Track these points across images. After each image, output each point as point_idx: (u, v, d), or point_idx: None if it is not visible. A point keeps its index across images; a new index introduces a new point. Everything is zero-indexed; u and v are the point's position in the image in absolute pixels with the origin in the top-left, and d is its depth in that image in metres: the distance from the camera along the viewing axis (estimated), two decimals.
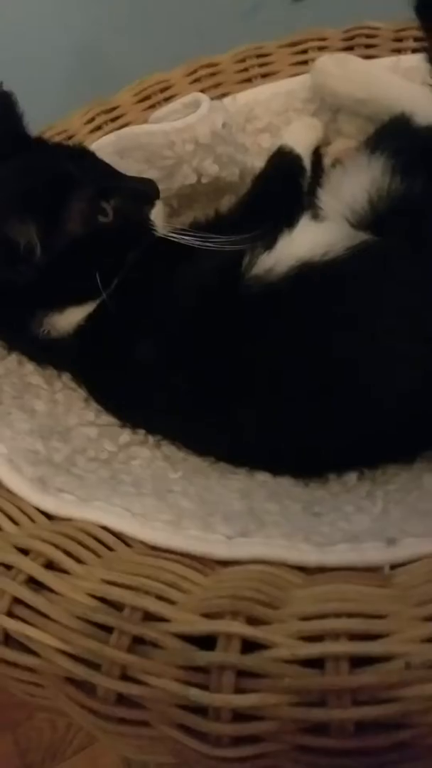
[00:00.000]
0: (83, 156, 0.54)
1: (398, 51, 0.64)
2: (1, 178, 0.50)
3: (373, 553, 0.33)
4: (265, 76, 0.66)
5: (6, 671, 0.33)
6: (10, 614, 0.33)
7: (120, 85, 0.69)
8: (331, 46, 0.66)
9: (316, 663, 0.28)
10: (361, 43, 0.66)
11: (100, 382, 0.51)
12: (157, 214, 0.53)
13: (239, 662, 0.29)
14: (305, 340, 0.46)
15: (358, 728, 0.27)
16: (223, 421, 0.48)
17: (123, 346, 0.49)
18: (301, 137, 0.60)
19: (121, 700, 0.30)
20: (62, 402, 0.51)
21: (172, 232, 0.52)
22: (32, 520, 0.38)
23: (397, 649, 0.27)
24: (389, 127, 0.54)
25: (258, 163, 0.60)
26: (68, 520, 0.38)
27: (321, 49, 0.66)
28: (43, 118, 0.66)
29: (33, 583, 0.34)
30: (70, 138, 0.64)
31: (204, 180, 0.58)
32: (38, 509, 0.39)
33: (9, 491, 0.40)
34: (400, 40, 0.64)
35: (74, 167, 0.51)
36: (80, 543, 0.36)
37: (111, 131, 0.63)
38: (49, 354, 0.53)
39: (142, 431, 0.51)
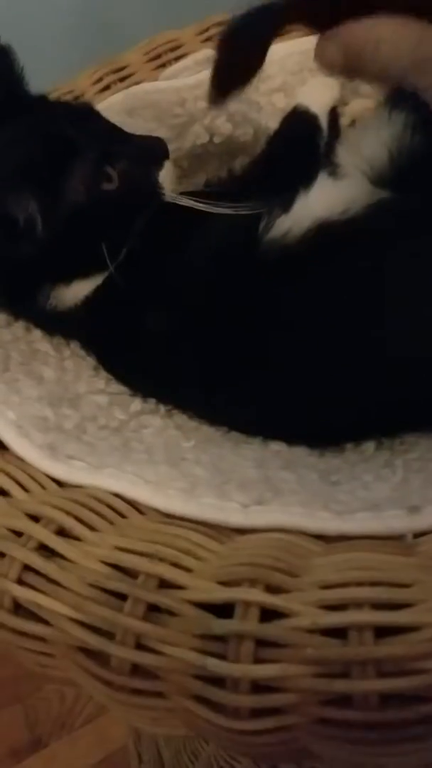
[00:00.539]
0: (86, 115, 0.51)
1: None
2: None
3: (395, 521, 0.32)
4: (279, 35, 0.64)
5: (16, 641, 0.32)
6: (20, 582, 0.32)
7: (127, 45, 0.67)
8: None
9: (338, 633, 0.27)
10: None
11: (110, 351, 0.50)
12: (166, 176, 0.51)
13: (258, 631, 0.28)
14: (324, 304, 0.44)
15: (382, 700, 0.26)
16: (237, 390, 0.47)
17: (133, 316, 0.48)
18: (317, 96, 0.58)
19: (136, 670, 0.29)
20: (71, 369, 0.49)
21: (183, 196, 0.50)
22: (43, 487, 0.37)
23: (424, 619, 0.26)
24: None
25: (272, 123, 0.58)
26: (79, 487, 0.37)
27: None
28: (50, 76, 0.64)
29: (44, 549, 0.33)
30: (77, 98, 0.62)
31: (216, 140, 0.56)
32: (48, 476, 0.38)
33: (18, 458, 0.39)
34: None
35: (76, 130, 0.48)
36: (92, 510, 0.35)
37: (119, 91, 0.61)
38: (57, 324, 0.51)
39: (152, 400, 0.50)
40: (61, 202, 0.46)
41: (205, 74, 0.54)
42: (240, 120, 0.56)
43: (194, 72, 0.55)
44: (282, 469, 0.41)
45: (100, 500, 0.36)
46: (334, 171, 0.49)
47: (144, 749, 0.82)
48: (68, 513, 0.34)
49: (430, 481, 0.37)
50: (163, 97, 0.54)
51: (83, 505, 0.35)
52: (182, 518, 0.35)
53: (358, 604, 0.27)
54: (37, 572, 0.32)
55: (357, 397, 0.44)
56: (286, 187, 0.49)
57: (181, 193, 0.52)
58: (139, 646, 0.29)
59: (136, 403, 0.49)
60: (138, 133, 0.55)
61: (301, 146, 0.56)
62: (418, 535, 0.32)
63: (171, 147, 0.56)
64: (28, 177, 0.46)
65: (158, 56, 0.64)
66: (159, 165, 0.50)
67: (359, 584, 0.28)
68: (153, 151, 0.51)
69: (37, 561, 0.32)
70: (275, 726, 0.28)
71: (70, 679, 0.33)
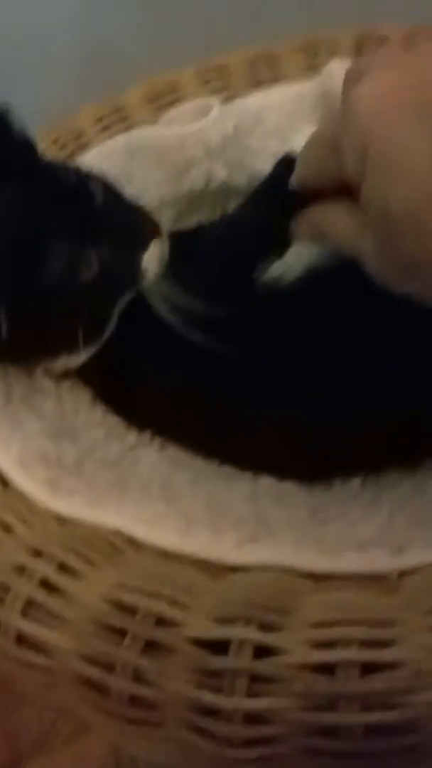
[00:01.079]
0: (76, 189, 0.47)
1: None
2: None
3: (380, 561, 0.34)
4: (275, 79, 0.66)
5: (19, 671, 0.34)
6: (24, 615, 0.34)
7: (129, 80, 0.69)
8: (342, 50, 0.66)
9: (326, 669, 0.29)
10: (373, 48, 0.66)
11: (106, 384, 0.52)
12: (151, 258, 0.47)
13: (252, 667, 0.29)
14: (313, 339, 0.46)
15: (366, 732, 0.28)
16: (227, 423, 0.49)
17: (128, 356, 0.49)
18: None
19: (134, 701, 0.31)
20: (69, 401, 0.51)
21: (161, 285, 0.47)
22: (44, 522, 0.39)
23: (407, 657, 0.28)
24: None
25: (266, 168, 0.60)
26: (79, 522, 0.39)
27: (332, 53, 0.66)
28: (50, 109, 0.66)
29: (46, 584, 0.35)
30: (78, 137, 0.64)
31: (212, 184, 0.58)
32: (50, 511, 0.39)
33: (21, 493, 0.40)
34: (410, 46, 0.65)
35: (60, 209, 0.45)
36: (92, 546, 0.37)
37: (120, 131, 0.63)
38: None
39: (147, 433, 0.51)
40: (37, 287, 0.44)
41: (204, 122, 0.57)
42: (235, 165, 0.58)
43: (193, 118, 0.57)
44: (272, 505, 0.43)
45: (99, 536, 0.38)
46: None
47: None
48: (69, 549, 0.36)
49: (414, 520, 0.39)
50: (164, 142, 0.56)
51: (83, 540, 0.37)
52: (178, 555, 0.36)
53: (345, 643, 0.29)
54: (40, 606, 0.34)
55: (343, 435, 0.46)
56: (276, 228, 0.51)
57: (176, 232, 0.53)
58: (138, 679, 0.31)
59: (132, 436, 0.50)
60: (138, 175, 0.57)
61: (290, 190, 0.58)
62: (401, 574, 0.34)
63: (169, 189, 0.58)
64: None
65: (158, 97, 0.66)
66: (144, 248, 0.47)
67: (346, 623, 0.30)
68: (140, 232, 0.48)
69: (40, 596, 0.34)
70: (265, 754, 0.30)
71: (56, 702, 0.35)
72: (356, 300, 0.46)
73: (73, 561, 0.35)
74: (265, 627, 0.30)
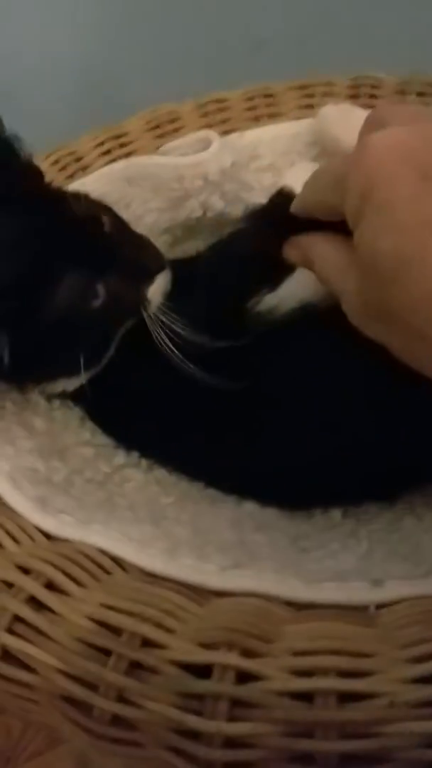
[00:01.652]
0: (86, 221, 0.48)
1: None
2: None
3: (359, 593, 0.35)
4: (271, 116, 0.68)
5: (2, 686, 0.34)
6: (10, 631, 0.34)
7: (126, 113, 0.70)
8: (337, 92, 0.68)
9: (305, 696, 0.30)
10: (366, 92, 0.68)
11: (97, 404, 0.53)
12: (156, 290, 0.49)
13: (233, 692, 0.30)
14: (300, 377, 0.48)
15: (342, 760, 0.29)
16: (214, 449, 0.50)
17: (120, 375, 0.50)
18: (302, 180, 0.62)
19: (117, 721, 0.32)
20: (59, 419, 0.52)
21: (163, 315, 0.48)
22: (32, 540, 0.39)
23: (383, 688, 0.29)
24: None
25: (260, 200, 0.62)
26: (67, 541, 0.39)
27: (327, 94, 0.68)
28: (50, 135, 0.67)
29: (34, 602, 0.35)
30: (78, 160, 0.65)
31: (209, 214, 0.60)
32: (38, 529, 0.40)
33: (11, 509, 0.41)
34: (403, 93, 0.67)
35: (70, 241, 0.46)
36: (79, 565, 0.37)
37: (120, 156, 0.65)
38: None
39: (135, 453, 0.52)
40: (43, 315, 0.45)
41: (203, 154, 0.59)
42: (232, 198, 0.59)
43: (192, 149, 0.59)
44: (256, 531, 0.44)
45: (86, 555, 0.38)
46: None
47: None
48: (57, 567, 0.37)
49: (392, 553, 0.40)
50: (162, 172, 0.58)
51: (71, 559, 0.38)
52: (164, 578, 0.37)
53: (324, 671, 0.30)
54: (26, 623, 0.34)
55: (324, 467, 0.47)
56: (269, 261, 0.52)
57: (173, 260, 0.55)
58: (121, 699, 0.32)
59: (120, 456, 0.52)
60: (135, 202, 0.58)
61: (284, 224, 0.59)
62: (379, 606, 0.35)
63: (166, 216, 0.60)
64: (6, 305, 0.44)
65: (158, 126, 0.68)
66: (151, 280, 0.49)
67: (326, 653, 0.31)
68: (147, 266, 0.49)
69: (28, 613, 0.34)
70: None
71: (37, 718, 0.36)
72: (344, 338, 0.47)
73: (60, 579, 0.36)
74: (247, 653, 0.31)
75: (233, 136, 0.64)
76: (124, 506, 0.45)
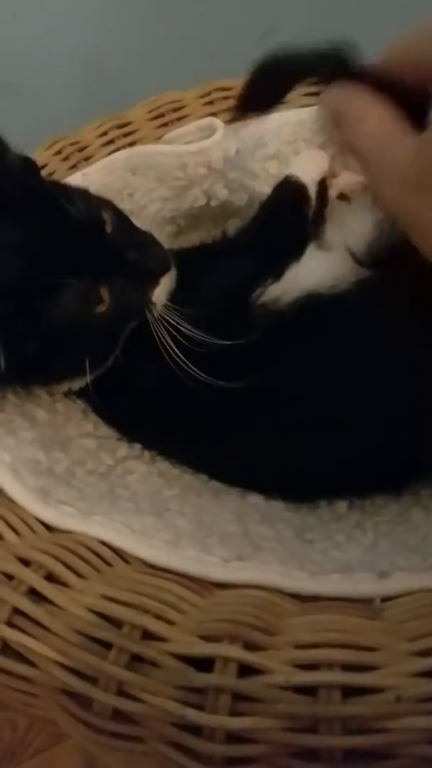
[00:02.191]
0: (90, 225, 0.47)
1: None
2: None
3: (365, 585, 0.35)
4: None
5: (3, 679, 0.34)
6: (10, 624, 0.34)
7: (130, 102, 0.70)
8: None
9: (309, 690, 0.29)
10: None
11: (100, 397, 0.52)
12: (161, 291, 0.48)
13: (235, 686, 0.30)
14: (303, 370, 0.47)
15: (346, 756, 0.28)
16: (219, 443, 0.49)
17: (125, 370, 0.50)
18: (308, 167, 0.61)
19: (117, 715, 0.31)
20: (62, 411, 0.51)
21: (168, 316, 0.47)
22: (33, 531, 0.39)
23: (388, 682, 0.29)
24: None
25: (265, 189, 0.61)
26: (68, 532, 0.39)
27: None
28: (53, 125, 0.67)
29: (34, 594, 0.35)
30: (81, 150, 0.65)
31: (213, 203, 0.59)
32: (39, 520, 0.40)
33: (11, 500, 0.40)
34: None
35: (76, 245, 0.45)
36: (80, 556, 0.37)
37: (123, 146, 0.64)
38: None
39: (138, 445, 0.52)
40: (45, 322, 0.44)
41: (207, 142, 0.58)
42: (236, 187, 0.59)
43: (196, 137, 0.58)
44: (260, 523, 0.44)
45: (87, 547, 0.38)
46: (321, 245, 0.52)
47: None
48: (57, 559, 0.36)
49: (398, 545, 0.40)
50: (166, 160, 0.57)
51: (72, 551, 0.37)
52: (166, 570, 0.37)
53: (328, 665, 0.30)
54: (26, 616, 0.34)
55: (328, 459, 0.47)
56: (274, 253, 0.52)
57: (177, 250, 0.54)
58: (121, 693, 0.31)
59: (123, 448, 0.51)
60: (140, 191, 0.57)
61: (290, 215, 0.59)
62: (385, 599, 0.34)
63: (170, 206, 0.59)
64: (2, 312, 0.43)
65: (161, 115, 0.67)
66: (156, 283, 0.48)
67: (330, 646, 0.30)
68: (151, 268, 0.48)
69: (27, 605, 0.34)
70: None
71: (38, 712, 0.35)
72: (347, 329, 0.47)
73: (61, 571, 0.35)
74: (249, 646, 0.31)
75: (238, 124, 0.63)
76: (127, 498, 0.44)
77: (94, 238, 0.46)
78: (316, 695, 0.29)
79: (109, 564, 0.37)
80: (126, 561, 0.38)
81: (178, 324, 0.46)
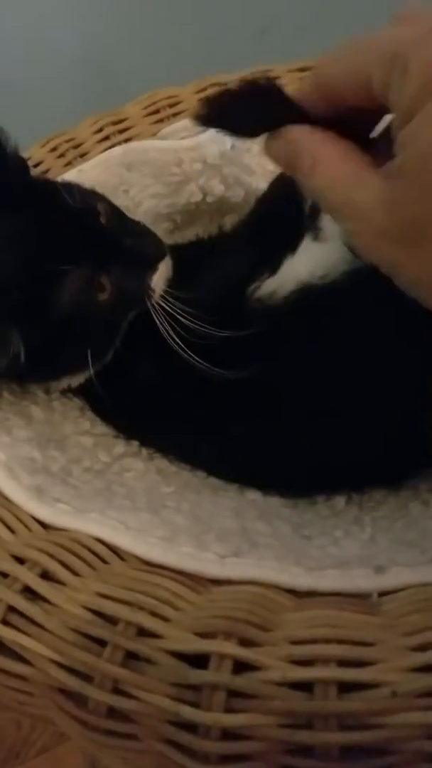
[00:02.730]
0: (86, 214, 0.47)
1: None
2: None
3: (362, 580, 0.34)
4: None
5: None
6: (4, 622, 0.34)
7: (127, 98, 0.69)
8: None
9: (304, 686, 0.29)
10: None
11: (97, 396, 0.52)
12: (159, 278, 0.49)
13: (231, 682, 0.29)
14: (300, 363, 0.47)
15: (342, 752, 0.28)
16: (216, 439, 0.49)
17: (123, 365, 0.50)
18: None
19: (112, 713, 0.31)
20: (58, 410, 0.51)
21: (166, 303, 0.48)
22: (28, 529, 0.39)
23: (384, 678, 0.28)
24: None
25: (262, 184, 0.61)
26: (63, 530, 0.39)
27: None
28: (50, 121, 0.66)
29: (28, 592, 0.34)
30: (77, 146, 0.64)
31: (209, 199, 0.59)
32: (34, 518, 0.39)
33: (6, 498, 0.40)
34: None
35: (73, 235, 0.46)
36: (75, 554, 0.37)
37: (119, 142, 0.64)
38: None
39: (135, 443, 0.52)
40: (50, 313, 0.45)
41: (203, 137, 0.57)
42: (232, 182, 0.58)
43: (191, 133, 0.58)
44: (257, 519, 0.43)
45: (83, 545, 0.38)
46: (317, 235, 0.52)
47: None
48: (52, 556, 0.36)
49: (396, 541, 0.39)
50: (161, 156, 0.57)
51: (67, 549, 0.37)
52: (161, 566, 0.36)
53: (324, 661, 0.29)
54: (21, 614, 0.34)
55: (325, 452, 0.46)
56: (271, 247, 0.51)
57: (173, 245, 0.54)
58: (116, 691, 0.31)
59: (120, 446, 0.51)
60: (135, 187, 0.57)
61: (287, 210, 0.58)
62: (382, 594, 0.34)
63: (166, 202, 0.59)
64: (13, 303, 0.44)
65: (157, 111, 0.67)
66: (154, 269, 0.48)
67: (326, 641, 0.30)
68: (148, 254, 0.49)
69: (22, 603, 0.34)
70: None
71: (33, 711, 0.35)
72: (344, 320, 0.46)
73: (56, 569, 0.35)
74: (245, 642, 0.31)
75: None
76: (123, 495, 0.44)
77: (91, 227, 0.47)
78: (312, 691, 0.29)
79: (104, 561, 0.37)
80: (122, 558, 0.37)
81: (177, 312, 0.46)
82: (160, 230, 0.58)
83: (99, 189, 0.58)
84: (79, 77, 0.89)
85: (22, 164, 0.49)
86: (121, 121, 0.66)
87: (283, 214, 0.58)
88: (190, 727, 0.29)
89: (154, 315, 0.47)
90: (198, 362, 0.45)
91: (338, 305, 0.47)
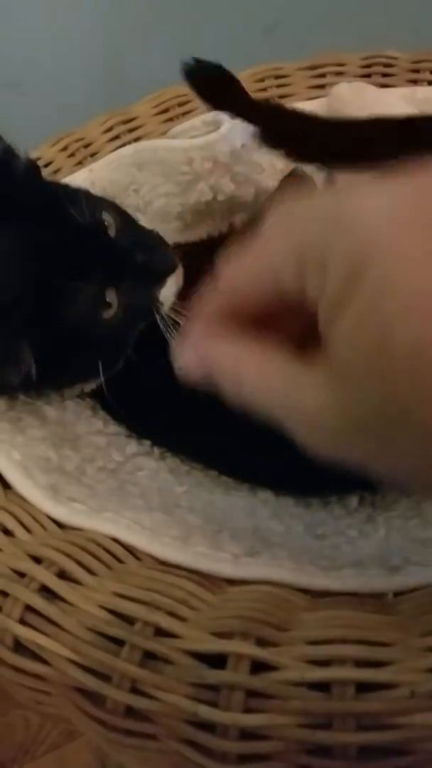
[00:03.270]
0: (94, 230, 0.46)
1: (414, 82, 0.65)
2: None
3: (377, 580, 0.34)
4: (282, 96, 0.67)
5: (15, 677, 0.34)
6: (22, 621, 0.34)
7: (137, 96, 0.69)
8: (349, 71, 0.67)
9: (322, 687, 0.29)
10: (379, 71, 0.67)
11: (109, 397, 0.52)
12: (167, 292, 0.48)
13: (248, 682, 0.30)
14: None
15: (360, 752, 0.28)
16: (226, 439, 0.49)
17: (134, 371, 0.50)
18: None
19: (130, 712, 0.31)
20: (71, 409, 0.51)
21: (175, 314, 0.48)
22: (44, 528, 0.39)
23: (402, 678, 0.29)
24: None
25: (272, 182, 0.61)
26: (79, 529, 0.39)
27: (339, 74, 0.67)
28: (63, 123, 0.67)
29: (46, 591, 0.35)
30: (87, 146, 0.64)
31: (219, 197, 0.59)
32: (50, 517, 0.40)
33: (22, 498, 0.40)
34: (417, 71, 0.66)
35: (81, 250, 0.45)
36: (91, 554, 0.37)
37: (129, 141, 0.64)
38: None
39: (147, 442, 0.52)
40: (59, 328, 0.45)
41: (213, 136, 0.58)
42: (242, 181, 0.58)
43: (202, 132, 0.58)
44: (270, 519, 0.44)
45: (98, 544, 0.38)
46: None
47: None
48: (69, 556, 0.36)
49: (410, 540, 0.39)
50: (172, 155, 0.57)
51: (83, 548, 0.37)
52: (176, 566, 0.37)
53: (341, 661, 0.30)
54: (38, 613, 0.34)
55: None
56: None
57: (183, 245, 0.54)
58: (134, 690, 0.31)
59: (132, 445, 0.51)
60: (145, 186, 0.57)
61: None
62: (397, 593, 0.34)
63: (176, 201, 0.59)
64: (23, 319, 0.43)
65: (166, 110, 0.67)
66: (162, 283, 0.48)
67: (343, 641, 0.30)
68: (158, 270, 0.48)
69: (39, 602, 0.34)
70: None
71: (50, 710, 0.35)
72: None
73: (72, 568, 0.35)
74: (262, 642, 0.31)
75: None
76: (137, 494, 0.44)
77: (100, 242, 0.46)
78: (329, 691, 0.29)
79: (120, 561, 0.37)
80: (137, 558, 0.38)
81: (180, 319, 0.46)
82: (170, 229, 0.58)
83: (109, 188, 0.58)
84: (87, 76, 0.89)
85: (32, 171, 0.49)
86: (130, 120, 0.66)
87: None
88: (208, 727, 0.30)
89: (162, 326, 0.47)
90: None
91: None
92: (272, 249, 0.26)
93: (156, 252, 0.49)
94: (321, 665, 0.30)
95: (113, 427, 0.52)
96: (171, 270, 0.48)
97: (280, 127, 0.51)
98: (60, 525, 0.39)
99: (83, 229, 0.46)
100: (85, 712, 0.32)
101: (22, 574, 0.35)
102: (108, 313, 0.46)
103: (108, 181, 0.59)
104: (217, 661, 0.31)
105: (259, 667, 0.30)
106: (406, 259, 0.23)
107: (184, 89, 0.69)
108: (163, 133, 0.64)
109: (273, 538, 0.40)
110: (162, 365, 0.48)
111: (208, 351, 0.29)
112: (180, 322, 0.46)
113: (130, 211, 0.59)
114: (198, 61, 0.47)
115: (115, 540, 0.38)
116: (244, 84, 0.69)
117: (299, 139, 0.51)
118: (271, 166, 0.60)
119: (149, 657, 0.31)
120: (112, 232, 0.47)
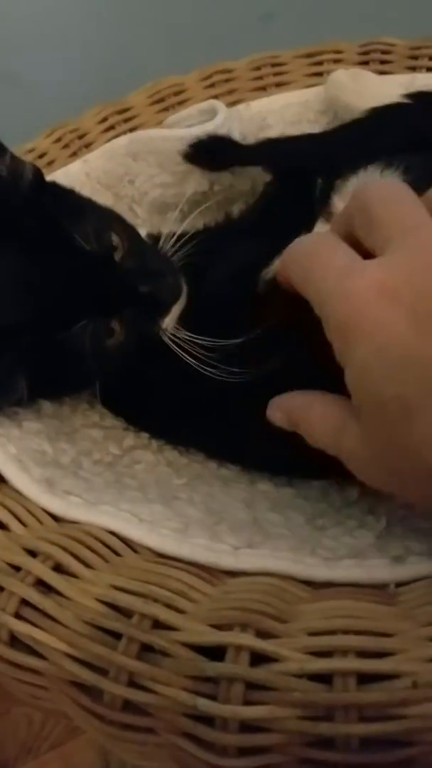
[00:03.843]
0: (102, 258, 0.46)
1: (413, 69, 0.65)
2: None
3: (379, 570, 0.34)
4: (279, 85, 0.66)
5: (11, 672, 0.34)
6: (18, 616, 0.33)
7: (132, 87, 0.69)
8: (347, 59, 0.66)
9: (323, 678, 0.29)
10: (377, 58, 0.66)
11: (106, 394, 0.52)
12: (171, 318, 0.48)
13: (248, 674, 0.29)
14: (308, 350, 0.46)
15: (363, 744, 0.28)
16: (225, 430, 0.49)
17: (131, 369, 0.49)
18: None
19: (128, 706, 0.31)
20: (67, 402, 0.51)
21: (178, 338, 0.47)
22: (40, 522, 0.38)
23: (405, 668, 0.28)
24: None
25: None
26: (76, 523, 0.38)
27: (336, 61, 0.66)
28: (57, 114, 0.66)
29: (41, 585, 0.34)
30: (81, 137, 0.64)
31: (216, 188, 0.58)
32: (46, 511, 0.39)
33: (17, 491, 0.40)
34: (415, 57, 0.65)
35: (86, 280, 0.44)
36: (88, 547, 0.36)
37: (124, 132, 0.63)
38: None
39: (145, 435, 0.51)
40: (58, 355, 0.44)
41: (209, 125, 0.57)
42: (240, 171, 0.58)
43: (197, 121, 0.57)
44: (270, 510, 0.43)
45: (95, 537, 0.37)
46: (329, 219, 0.51)
47: None
48: (65, 549, 0.36)
49: (411, 530, 0.39)
50: (167, 145, 0.56)
51: (79, 541, 0.36)
52: (175, 558, 0.36)
53: (343, 652, 0.29)
54: (34, 607, 0.33)
55: None
56: (283, 231, 0.51)
57: (180, 235, 0.53)
58: (132, 684, 0.31)
59: (129, 438, 0.50)
60: (141, 177, 0.56)
61: (296, 195, 0.58)
62: (400, 584, 0.34)
63: (172, 192, 0.58)
64: (22, 350, 0.43)
65: (162, 100, 0.66)
66: (167, 312, 0.47)
67: (344, 632, 0.30)
68: (163, 300, 0.47)
69: (35, 596, 0.33)
70: (260, 764, 0.29)
71: (48, 705, 0.35)
72: None
73: (68, 562, 0.35)
74: (261, 634, 0.30)
75: (240, 107, 0.63)
76: (134, 487, 0.43)
77: (105, 273, 0.45)
78: (331, 683, 0.28)
79: (117, 554, 0.37)
80: (134, 550, 0.37)
81: (189, 348, 0.45)
82: (166, 220, 0.57)
83: (104, 179, 0.57)
84: (82, 67, 0.88)
85: (37, 190, 0.47)
86: (125, 111, 0.65)
87: (292, 201, 0.58)
88: (208, 720, 0.29)
89: (165, 341, 0.47)
90: (211, 373, 0.44)
91: None
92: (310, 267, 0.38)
93: (162, 282, 0.47)
94: (322, 656, 0.29)
95: (110, 420, 0.51)
96: (176, 299, 0.47)
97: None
98: (56, 518, 0.39)
99: (88, 257, 0.45)
100: (83, 707, 0.32)
101: (17, 568, 0.35)
102: (110, 342, 0.45)
103: (103, 172, 0.58)
104: (216, 653, 0.30)
105: (259, 659, 0.30)
106: (384, 336, 0.32)
107: (179, 79, 0.68)
108: (159, 123, 0.64)
109: (272, 530, 0.39)
110: (161, 361, 0.48)
111: (290, 402, 0.41)
112: (183, 345, 0.46)
113: (126, 202, 0.59)
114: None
115: (113, 533, 0.38)
116: (242, 73, 0.69)
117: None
118: None
119: (147, 650, 0.31)
120: (118, 255, 0.46)
